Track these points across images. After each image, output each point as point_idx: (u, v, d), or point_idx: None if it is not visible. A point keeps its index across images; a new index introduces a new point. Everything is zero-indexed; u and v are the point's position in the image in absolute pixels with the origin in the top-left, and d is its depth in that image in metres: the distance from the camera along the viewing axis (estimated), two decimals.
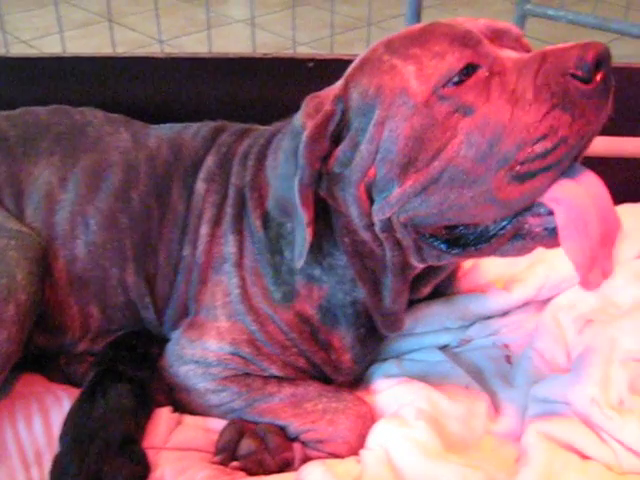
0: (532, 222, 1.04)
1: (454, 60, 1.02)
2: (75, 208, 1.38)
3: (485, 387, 1.34)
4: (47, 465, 1.20)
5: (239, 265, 1.31)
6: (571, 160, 1.00)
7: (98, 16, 3.87)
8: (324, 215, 1.20)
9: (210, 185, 1.39)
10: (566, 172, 1.01)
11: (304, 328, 1.30)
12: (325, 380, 1.35)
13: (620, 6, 3.43)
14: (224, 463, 1.23)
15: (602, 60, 0.95)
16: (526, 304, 1.49)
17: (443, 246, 1.13)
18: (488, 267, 1.53)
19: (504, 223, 1.06)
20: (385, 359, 1.43)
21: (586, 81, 0.95)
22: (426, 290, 1.32)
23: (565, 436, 1.19)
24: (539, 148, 0.97)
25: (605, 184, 1.05)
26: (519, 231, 1.05)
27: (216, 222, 1.35)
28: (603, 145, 1.58)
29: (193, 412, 1.33)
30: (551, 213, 1.01)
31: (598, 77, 0.95)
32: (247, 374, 1.30)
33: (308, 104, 1.15)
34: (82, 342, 1.43)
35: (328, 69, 1.60)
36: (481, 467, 1.16)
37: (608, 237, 1.03)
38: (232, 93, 1.76)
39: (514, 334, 1.46)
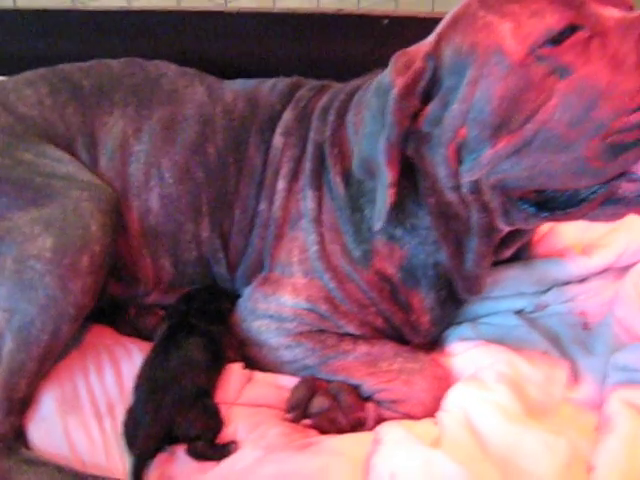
0: (627, 188, 1.00)
1: (554, 20, 0.98)
2: (150, 160, 1.37)
3: (563, 354, 1.31)
4: (120, 416, 1.20)
5: (317, 221, 1.29)
6: None
7: None
8: (409, 175, 1.17)
9: (288, 139, 1.36)
10: None
11: (384, 287, 1.28)
12: (400, 341, 1.32)
13: None
14: (296, 420, 1.22)
15: None
16: (605, 271, 1.44)
17: (532, 209, 1.09)
18: (566, 231, 1.48)
19: (596, 187, 1.02)
20: (460, 322, 1.40)
21: None
22: (508, 252, 1.29)
23: None
24: (635, 118, 0.93)
25: None
26: (612, 196, 1.02)
27: (294, 177, 1.33)
28: None
29: (264, 368, 1.32)
30: None
31: None
32: (322, 331, 1.29)
33: (397, 61, 1.11)
34: (154, 293, 1.43)
35: (403, 27, 1.56)
36: (563, 434, 1.13)
37: None
38: (303, 50, 1.74)
39: (592, 301, 1.41)
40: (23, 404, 1.19)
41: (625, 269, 1.43)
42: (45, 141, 1.36)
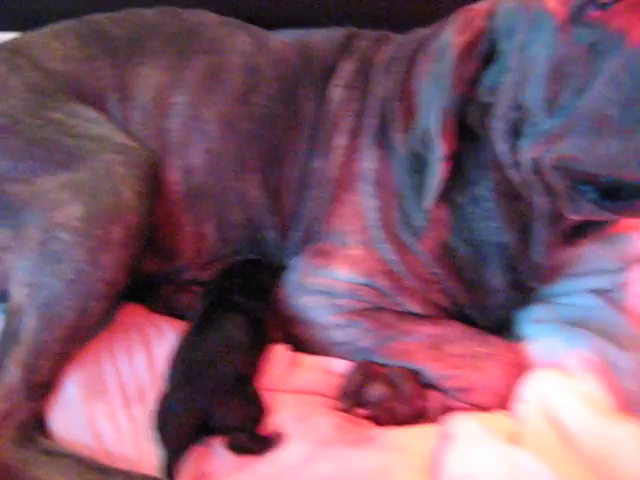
0: None
1: None
2: (190, 112, 1.29)
3: None
4: (151, 404, 1.11)
5: (379, 184, 1.20)
6: None
7: None
8: (471, 145, 1.09)
9: (348, 92, 1.27)
10: None
11: (448, 262, 1.19)
12: (466, 323, 1.23)
13: None
14: (349, 410, 1.14)
15: None
16: None
17: (594, 195, 0.96)
18: None
19: None
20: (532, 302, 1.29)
21: None
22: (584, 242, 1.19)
23: None
24: None
25: None
26: None
27: (354, 133, 1.24)
28: None
29: (312, 350, 1.23)
30: None
31: None
32: (380, 308, 1.20)
33: (458, 18, 1.04)
34: (192, 268, 1.35)
35: None
36: None
37: None
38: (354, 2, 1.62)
39: None
40: (44, 389, 1.12)
41: None
42: (75, 98, 1.29)
